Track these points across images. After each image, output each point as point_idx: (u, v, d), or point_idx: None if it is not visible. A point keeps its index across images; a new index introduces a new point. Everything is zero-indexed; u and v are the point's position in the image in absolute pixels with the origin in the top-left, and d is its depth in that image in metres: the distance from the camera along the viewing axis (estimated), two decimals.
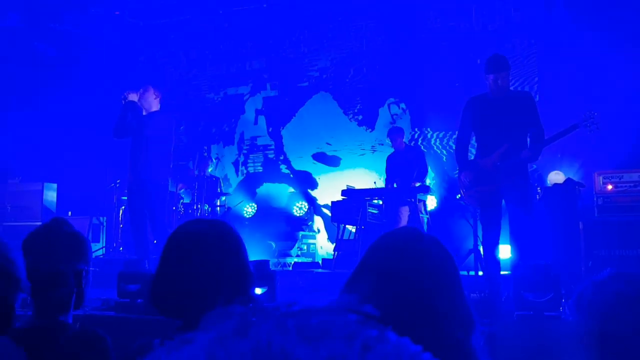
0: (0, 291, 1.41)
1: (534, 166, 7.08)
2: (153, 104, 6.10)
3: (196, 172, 8.95)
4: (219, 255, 1.62)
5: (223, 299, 1.60)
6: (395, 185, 7.56)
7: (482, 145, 4.98)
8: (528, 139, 4.90)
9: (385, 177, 7.93)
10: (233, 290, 1.61)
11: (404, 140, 7.78)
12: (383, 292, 1.19)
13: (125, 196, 8.97)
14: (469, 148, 5.27)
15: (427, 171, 7.71)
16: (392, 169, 7.73)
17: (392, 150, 7.82)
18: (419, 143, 8.76)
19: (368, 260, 1.30)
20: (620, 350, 1.24)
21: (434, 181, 8.42)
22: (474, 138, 5.14)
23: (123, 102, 6.00)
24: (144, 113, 6.07)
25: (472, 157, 5.28)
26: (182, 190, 8.81)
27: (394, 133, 7.75)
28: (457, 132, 5.24)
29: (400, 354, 0.58)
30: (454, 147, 5.58)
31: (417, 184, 7.33)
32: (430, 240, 1.31)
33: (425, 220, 7.43)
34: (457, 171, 5.36)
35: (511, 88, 5.14)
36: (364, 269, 1.29)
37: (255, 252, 8.87)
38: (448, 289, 1.23)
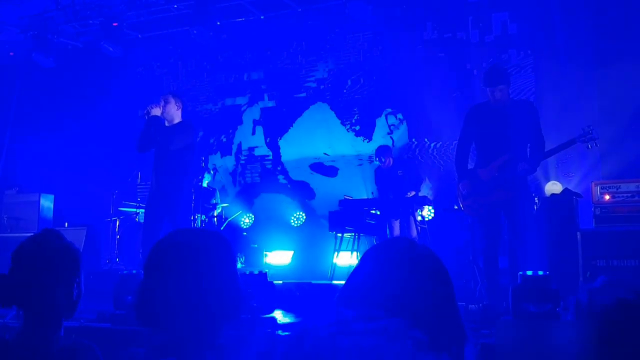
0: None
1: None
2: (175, 115, 6.02)
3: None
4: (205, 266, 1.57)
5: (211, 312, 1.57)
6: (390, 197, 7.58)
7: (482, 155, 4.97)
8: (528, 150, 4.89)
9: (375, 188, 7.93)
10: (221, 302, 1.58)
11: (391, 158, 7.78)
12: (376, 304, 1.19)
13: (123, 207, 8.98)
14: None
15: (420, 179, 7.72)
16: (382, 183, 7.74)
17: (378, 166, 7.83)
18: (416, 153, 8.77)
19: (360, 272, 1.30)
20: (622, 355, 1.23)
21: (432, 191, 8.42)
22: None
23: (146, 116, 5.91)
24: (167, 124, 6.00)
25: (473, 166, 5.26)
26: None
27: (381, 153, 7.78)
28: (457, 141, 5.23)
29: None
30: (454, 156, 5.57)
31: (411, 194, 7.33)
32: (423, 251, 1.31)
33: (421, 230, 7.41)
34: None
35: (514, 98, 5.13)
36: (356, 280, 1.29)
37: (254, 263, 8.85)
38: (440, 301, 1.22)
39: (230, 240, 1.69)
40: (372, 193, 8.07)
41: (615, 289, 1.32)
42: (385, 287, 1.21)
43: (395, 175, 7.59)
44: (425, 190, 8.18)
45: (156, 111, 5.90)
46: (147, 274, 1.61)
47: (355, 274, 1.33)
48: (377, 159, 7.86)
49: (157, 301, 1.56)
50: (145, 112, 5.92)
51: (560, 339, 3.25)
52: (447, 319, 1.20)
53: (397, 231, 7.22)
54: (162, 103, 5.97)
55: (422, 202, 7.49)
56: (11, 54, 10.59)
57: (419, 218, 7.53)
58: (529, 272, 3.83)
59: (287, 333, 3.78)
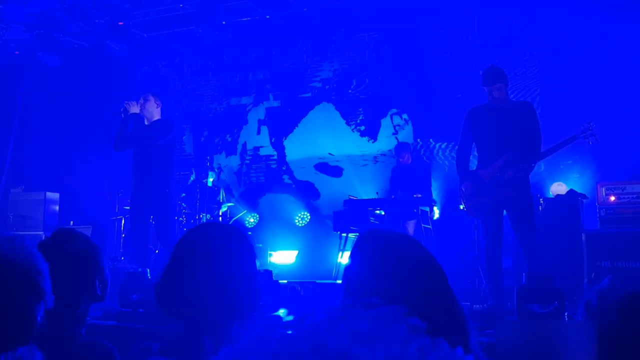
0: (26, 302, 1.40)
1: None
2: (155, 113, 6.04)
3: (198, 183, 8.95)
4: (229, 261, 1.61)
5: (231, 306, 1.60)
6: (392, 197, 7.58)
7: (483, 156, 4.98)
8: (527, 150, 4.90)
9: (388, 188, 7.95)
10: (241, 297, 1.61)
11: (410, 155, 7.87)
12: (373, 294, 1.21)
13: (127, 206, 9.01)
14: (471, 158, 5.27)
15: (430, 185, 7.75)
16: (396, 182, 7.77)
17: (395, 164, 7.86)
18: (421, 154, 8.77)
19: (351, 268, 1.33)
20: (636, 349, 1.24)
21: (436, 191, 8.41)
22: (475, 149, 5.14)
23: (122, 114, 5.93)
24: (146, 122, 6.03)
25: (475, 168, 5.27)
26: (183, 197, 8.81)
27: (401, 149, 7.88)
28: (458, 143, 5.25)
29: None
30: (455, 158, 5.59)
31: (418, 196, 7.34)
32: (399, 238, 1.34)
33: (428, 230, 7.41)
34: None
35: (513, 98, 5.15)
36: (349, 276, 1.32)
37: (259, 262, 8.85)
38: (431, 286, 1.24)
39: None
40: (377, 193, 8.08)
41: (623, 286, 1.33)
42: (376, 277, 1.24)
43: (411, 174, 7.63)
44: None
45: (134, 109, 5.90)
46: (171, 265, 1.64)
47: (347, 271, 1.36)
48: (395, 154, 7.94)
49: (179, 291, 1.59)
50: (122, 109, 5.92)
51: (568, 339, 3.25)
52: (443, 305, 1.21)
53: (411, 230, 7.23)
54: (142, 101, 5.98)
55: (427, 203, 7.49)
56: (17, 52, 10.63)
57: (428, 225, 7.51)
58: (534, 273, 3.83)
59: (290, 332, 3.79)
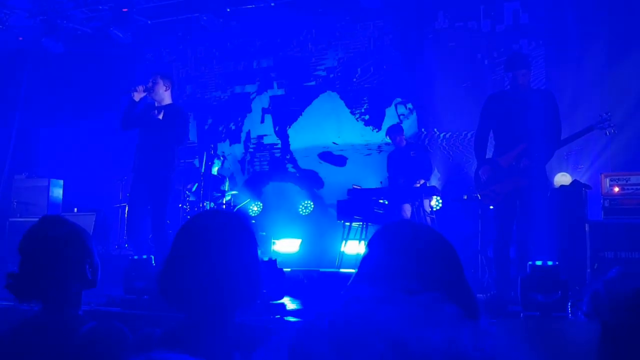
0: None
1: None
2: (164, 95, 5.92)
3: (202, 170, 8.96)
4: (232, 249, 1.61)
5: (233, 294, 1.60)
6: (394, 184, 7.59)
7: (500, 143, 4.97)
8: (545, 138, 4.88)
9: (387, 175, 7.95)
10: (243, 285, 1.61)
11: (403, 137, 7.84)
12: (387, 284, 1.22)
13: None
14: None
15: (431, 169, 7.72)
16: (394, 167, 7.77)
17: (391, 150, 7.84)
18: (425, 143, 8.75)
19: (370, 259, 1.33)
20: None
21: (440, 181, 8.41)
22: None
23: (134, 97, 5.86)
24: (156, 105, 5.93)
25: (491, 155, 5.22)
26: (190, 188, 8.82)
27: (393, 131, 7.87)
28: (476, 129, 5.22)
29: (497, 346, 0.62)
30: (473, 143, 5.52)
31: (420, 182, 7.33)
32: (424, 229, 1.35)
33: (430, 220, 7.42)
34: (476, 167, 5.28)
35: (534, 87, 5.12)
36: (368, 267, 1.32)
37: (262, 251, 8.87)
38: (457, 274, 1.26)
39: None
40: (381, 182, 8.08)
41: (632, 279, 1.32)
42: (400, 266, 1.24)
43: (407, 157, 7.61)
44: (434, 181, 8.17)
45: (138, 95, 5.81)
46: (172, 252, 1.64)
47: (365, 262, 1.35)
48: (387, 136, 7.91)
49: (181, 280, 1.58)
50: (132, 91, 5.85)
51: (567, 329, 3.26)
52: (462, 292, 1.23)
53: (407, 215, 7.23)
54: (150, 84, 5.89)
55: (431, 192, 7.49)
56: (20, 38, 10.61)
57: (428, 209, 7.52)
58: (538, 262, 3.84)
59: (296, 319, 3.81)
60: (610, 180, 6.00)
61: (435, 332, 0.58)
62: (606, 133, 4.84)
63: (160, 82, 5.91)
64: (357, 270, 1.40)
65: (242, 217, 1.73)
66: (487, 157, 5.14)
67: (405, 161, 7.62)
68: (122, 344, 1.73)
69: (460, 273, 1.31)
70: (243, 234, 1.65)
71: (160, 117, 5.74)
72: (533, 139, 4.74)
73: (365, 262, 1.37)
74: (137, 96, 5.84)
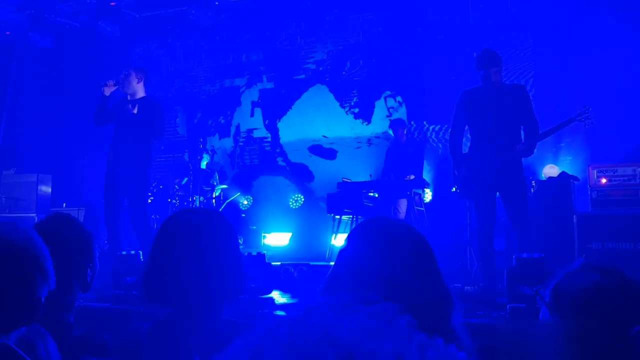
0: (31, 283, 1.40)
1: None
2: (137, 88, 5.78)
3: (191, 165, 8.94)
4: (211, 246, 1.61)
5: (216, 290, 1.61)
6: (386, 178, 7.61)
7: (476, 139, 5.00)
8: (522, 133, 4.93)
9: (383, 167, 7.97)
10: (226, 281, 1.62)
11: (404, 132, 7.87)
12: (362, 282, 1.23)
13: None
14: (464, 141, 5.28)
15: (422, 164, 7.75)
16: (391, 161, 7.79)
17: (390, 143, 7.86)
18: (414, 136, 8.77)
19: (344, 255, 1.34)
20: (602, 342, 1.23)
21: (430, 174, 8.44)
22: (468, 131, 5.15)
23: (104, 92, 5.76)
24: (129, 98, 5.80)
25: (467, 151, 5.28)
26: (178, 183, 8.79)
27: (396, 125, 7.88)
28: (451, 126, 5.26)
29: (451, 357, 0.64)
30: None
31: (411, 177, 7.35)
32: (402, 225, 1.35)
33: (420, 213, 7.45)
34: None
35: (506, 82, 5.15)
36: (341, 263, 1.34)
37: (253, 244, 8.89)
38: (422, 270, 1.27)
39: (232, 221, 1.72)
40: (370, 175, 8.10)
41: (594, 273, 1.32)
42: (370, 268, 1.25)
43: (405, 153, 7.63)
44: (424, 173, 8.19)
45: (108, 90, 5.73)
46: (153, 252, 1.64)
47: (340, 257, 1.37)
48: (390, 129, 7.94)
49: (163, 278, 1.59)
50: (102, 85, 5.77)
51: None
52: (432, 295, 1.24)
53: (402, 210, 7.24)
54: (122, 77, 5.77)
55: (420, 185, 7.51)
56: (7, 33, 10.52)
57: (420, 207, 7.53)
58: (524, 255, 3.87)
59: (284, 313, 3.82)
60: (598, 172, 6.05)
61: (385, 344, 0.60)
62: (585, 125, 4.88)
63: (133, 74, 5.79)
64: (332, 265, 1.41)
65: (219, 212, 1.74)
66: (463, 152, 5.18)
67: (401, 156, 7.65)
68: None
69: (433, 270, 1.30)
70: (222, 229, 1.66)
71: (135, 111, 5.60)
72: (509, 133, 4.79)
73: (339, 255, 1.38)
74: (108, 90, 5.74)
